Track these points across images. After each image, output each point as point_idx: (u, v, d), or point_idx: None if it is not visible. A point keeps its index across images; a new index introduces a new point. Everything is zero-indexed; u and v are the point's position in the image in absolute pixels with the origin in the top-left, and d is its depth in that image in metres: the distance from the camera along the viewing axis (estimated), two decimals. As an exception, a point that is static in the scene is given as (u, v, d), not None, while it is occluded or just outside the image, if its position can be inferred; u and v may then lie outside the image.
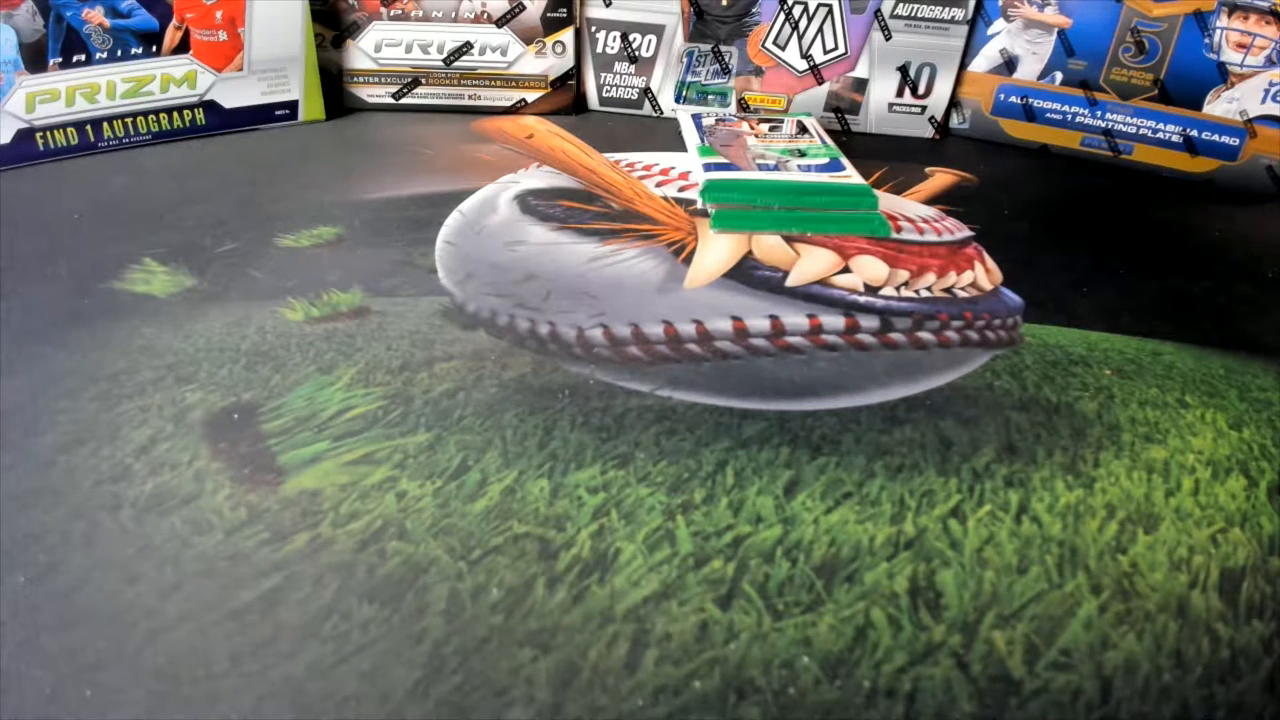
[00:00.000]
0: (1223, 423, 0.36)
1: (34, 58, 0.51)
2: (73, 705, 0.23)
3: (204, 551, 0.28)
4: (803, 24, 0.62)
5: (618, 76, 0.65)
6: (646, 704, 0.24)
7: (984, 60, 0.63)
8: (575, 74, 0.64)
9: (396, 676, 0.24)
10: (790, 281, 0.40)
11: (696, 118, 0.55)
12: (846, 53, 0.63)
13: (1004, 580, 0.28)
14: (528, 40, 0.62)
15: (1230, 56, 0.58)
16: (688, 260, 0.42)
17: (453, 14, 0.61)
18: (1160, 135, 0.61)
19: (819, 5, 0.61)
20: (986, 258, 0.45)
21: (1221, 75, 0.58)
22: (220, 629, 0.25)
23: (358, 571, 0.27)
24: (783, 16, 0.62)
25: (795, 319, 0.39)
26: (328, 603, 0.26)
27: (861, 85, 0.64)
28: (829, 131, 0.54)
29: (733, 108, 0.65)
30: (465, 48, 0.62)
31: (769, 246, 0.42)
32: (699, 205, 0.45)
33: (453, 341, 0.39)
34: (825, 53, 0.63)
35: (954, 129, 0.66)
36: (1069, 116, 0.63)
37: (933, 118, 0.65)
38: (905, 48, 0.63)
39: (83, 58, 0.52)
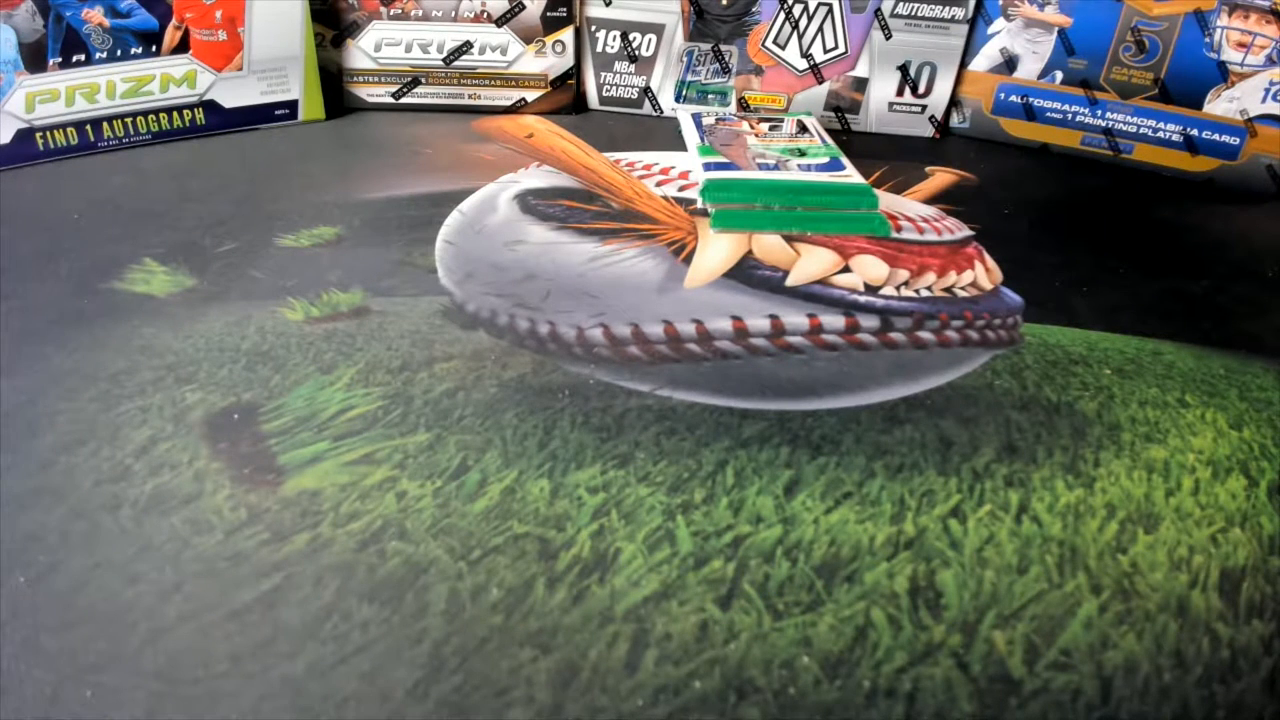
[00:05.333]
0: (1223, 422, 0.36)
1: (34, 58, 0.51)
2: (73, 706, 0.23)
3: (204, 552, 0.28)
4: (803, 23, 0.62)
5: (618, 76, 0.65)
6: (646, 704, 0.24)
7: (984, 59, 0.63)
8: (575, 73, 0.64)
9: (396, 676, 0.24)
10: (790, 281, 0.40)
11: (696, 117, 0.55)
12: (846, 52, 0.63)
13: (1004, 580, 0.28)
14: (528, 40, 0.62)
15: (1230, 56, 0.57)
16: (688, 260, 0.42)
17: (452, 13, 0.61)
18: (1161, 134, 0.61)
19: (819, 4, 0.61)
20: (986, 257, 0.45)
21: (1222, 74, 0.58)
22: (220, 629, 0.25)
23: (358, 572, 0.27)
24: (782, 16, 0.62)
25: (795, 319, 0.39)
26: (328, 603, 0.26)
27: (861, 84, 0.64)
28: (829, 131, 0.54)
29: (733, 107, 0.65)
30: (465, 47, 0.62)
31: (769, 246, 0.42)
32: (699, 205, 0.45)
33: (453, 341, 0.39)
34: (825, 52, 0.63)
35: (954, 128, 0.66)
36: (1069, 116, 0.63)
37: (933, 117, 0.65)
38: (905, 47, 0.63)
39: (82, 58, 0.52)
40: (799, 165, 0.47)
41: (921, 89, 0.64)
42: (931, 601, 0.27)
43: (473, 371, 0.37)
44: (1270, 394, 0.39)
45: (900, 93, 0.64)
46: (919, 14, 0.61)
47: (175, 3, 0.54)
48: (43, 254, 0.44)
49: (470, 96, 0.64)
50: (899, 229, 0.44)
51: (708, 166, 0.46)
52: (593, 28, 0.63)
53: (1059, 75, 0.62)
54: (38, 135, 0.52)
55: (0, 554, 0.27)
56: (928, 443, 0.34)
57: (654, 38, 0.63)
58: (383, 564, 0.28)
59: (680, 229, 0.44)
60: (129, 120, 0.55)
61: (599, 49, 0.64)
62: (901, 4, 0.61)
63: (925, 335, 0.39)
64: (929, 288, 0.41)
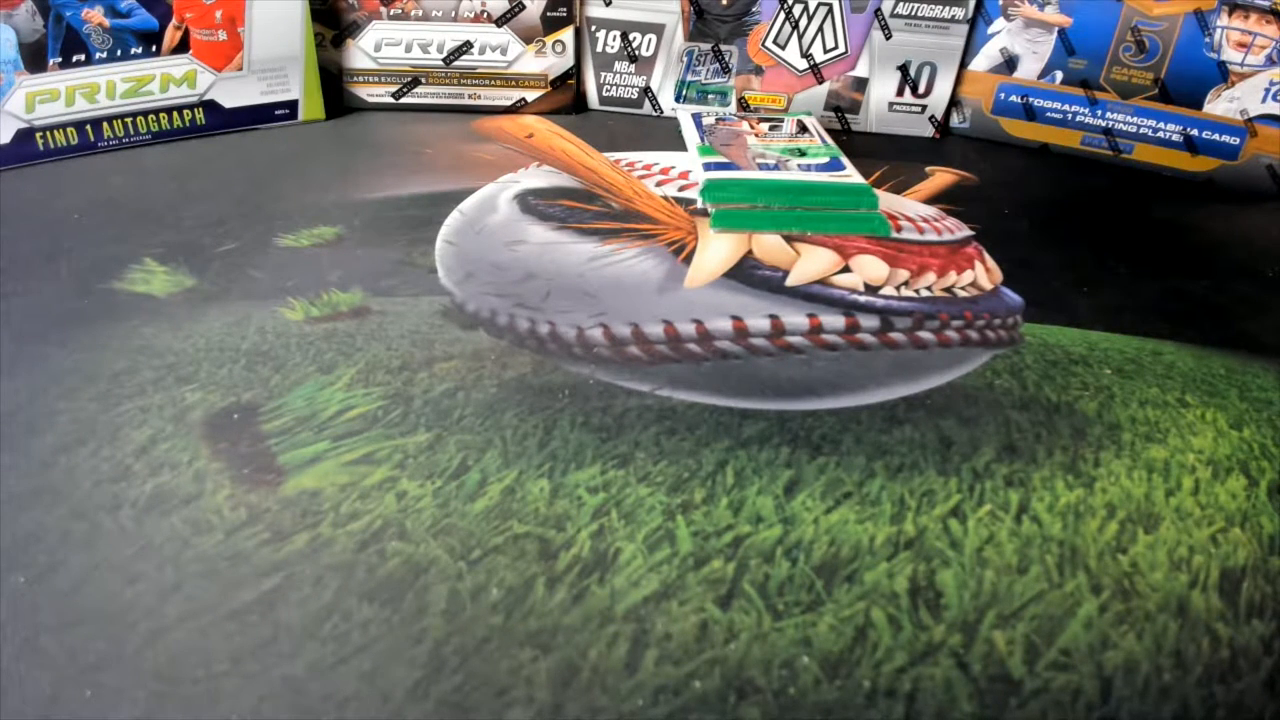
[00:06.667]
0: (1223, 422, 0.36)
1: (34, 58, 0.51)
2: (73, 706, 0.23)
3: (204, 552, 0.28)
4: (803, 23, 0.62)
5: (618, 76, 0.65)
6: (646, 704, 0.24)
7: (984, 59, 0.63)
8: (575, 73, 0.64)
9: (396, 676, 0.24)
10: (790, 281, 0.40)
11: (696, 117, 0.55)
12: (846, 52, 0.63)
13: (1004, 580, 0.28)
14: (528, 39, 0.62)
15: (1231, 55, 0.57)
16: (688, 260, 0.42)
17: (452, 13, 0.61)
18: (1161, 134, 0.61)
19: (819, 4, 0.61)
20: (986, 257, 0.45)
21: (1222, 74, 0.58)
22: (220, 629, 0.25)
23: (358, 571, 0.27)
24: (783, 15, 0.62)
25: (795, 319, 0.39)
26: (328, 603, 0.26)
27: (862, 84, 0.64)
28: (829, 131, 0.54)
29: (733, 107, 0.65)
30: (465, 47, 0.62)
31: (769, 246, 0.42)
32: (699, 204, 0.45)
33: (453, 341, 0.39)
34: (825, 52, 0.63)
35: (954, 128, 0.66)
36: (1069, 116, 0.63)
37: (933, 117, 0.65)
38: (905, 47, 0.63)
39: (82, 57, 0.52)
40: (799, 165, 0.47)
41: (921, 89, 0.64)
42: (931, 601, 0.27)
43: (473, 371, 0.37)
44: (1270, 394, 0.39)
45: (900, 93, 0.64)
46: (919, 14, 0.61)
47: (175, 3, 0.54)
48: (43, 254, 0.44)
49: (470, 96, 0.64)
50: (899, 229, 0.44)
51: (708, 166, 0.46)
52: (593, 28, 0.63)
53: (1059, 75, 0.62)
54: (38, 135, 0.52)
55: (0, 554, 0.27)
56: (928, 443, 0.34)
57: (654, 38, 0.63)
58: (383, 564, 0.28)
59: (680, 229, 0.44)
60: (129, 120, 0.55)
61: (599, 49, 0.64)
62: (901, 4, 0.61)
63: (925, 335, 0.39)
64: (929, 288, 0.41)
